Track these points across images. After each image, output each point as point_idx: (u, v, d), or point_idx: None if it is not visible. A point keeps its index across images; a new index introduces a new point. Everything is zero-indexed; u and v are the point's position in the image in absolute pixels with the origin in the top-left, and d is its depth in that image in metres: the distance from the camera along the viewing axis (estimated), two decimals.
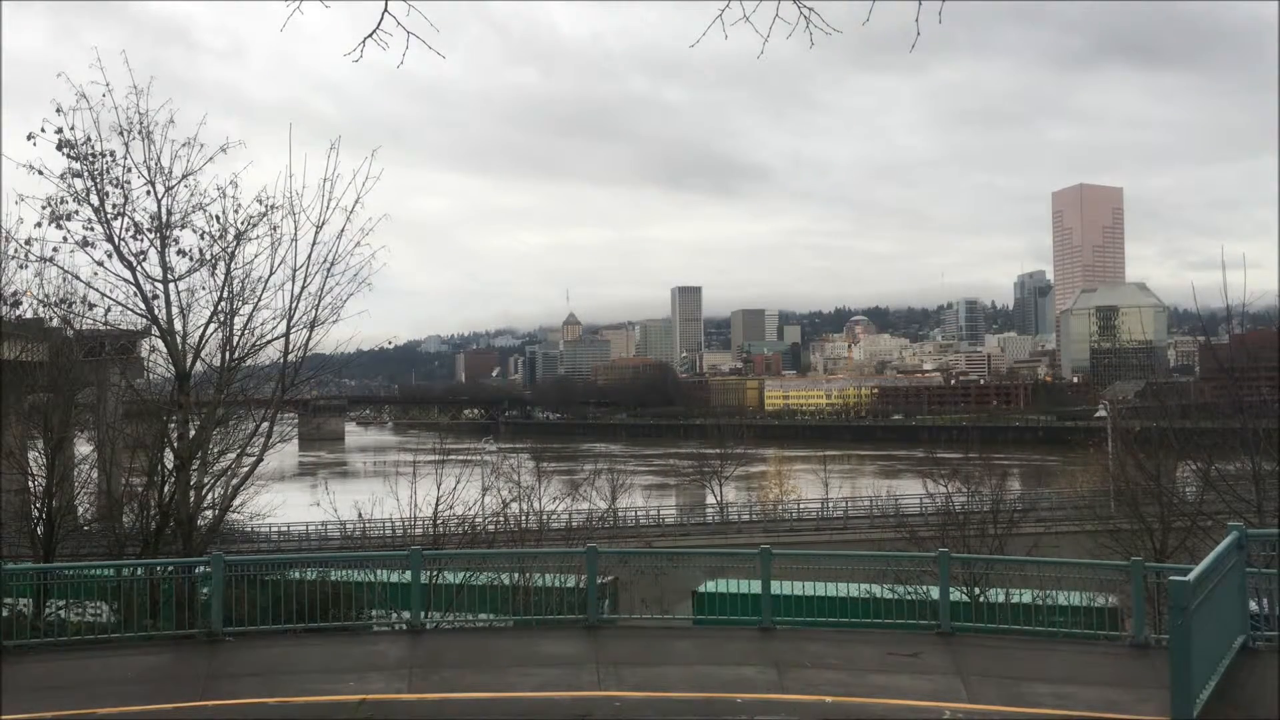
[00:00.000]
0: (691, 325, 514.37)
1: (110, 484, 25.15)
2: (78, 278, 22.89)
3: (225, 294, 23.20)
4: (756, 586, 18.11)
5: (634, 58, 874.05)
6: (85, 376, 27.42)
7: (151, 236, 22.78)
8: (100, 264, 22.48)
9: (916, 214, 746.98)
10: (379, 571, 20.37)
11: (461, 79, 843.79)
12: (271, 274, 23.26)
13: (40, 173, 21.76)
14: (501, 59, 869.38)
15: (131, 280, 22.80)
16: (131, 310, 23.28)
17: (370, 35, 8.15)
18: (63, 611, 19.04)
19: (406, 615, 18.17)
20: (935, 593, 18.39)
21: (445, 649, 16.91)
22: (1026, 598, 19.56)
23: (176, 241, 22.98)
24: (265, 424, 24.09)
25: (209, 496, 23.49)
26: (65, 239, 22.30)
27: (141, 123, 22.16)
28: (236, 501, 24.34)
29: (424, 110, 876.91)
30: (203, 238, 23.03)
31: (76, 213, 22.25)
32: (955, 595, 19.43)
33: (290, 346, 23.61)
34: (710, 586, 20.51)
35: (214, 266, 23.17)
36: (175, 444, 23.32)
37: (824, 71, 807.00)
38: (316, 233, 23.10)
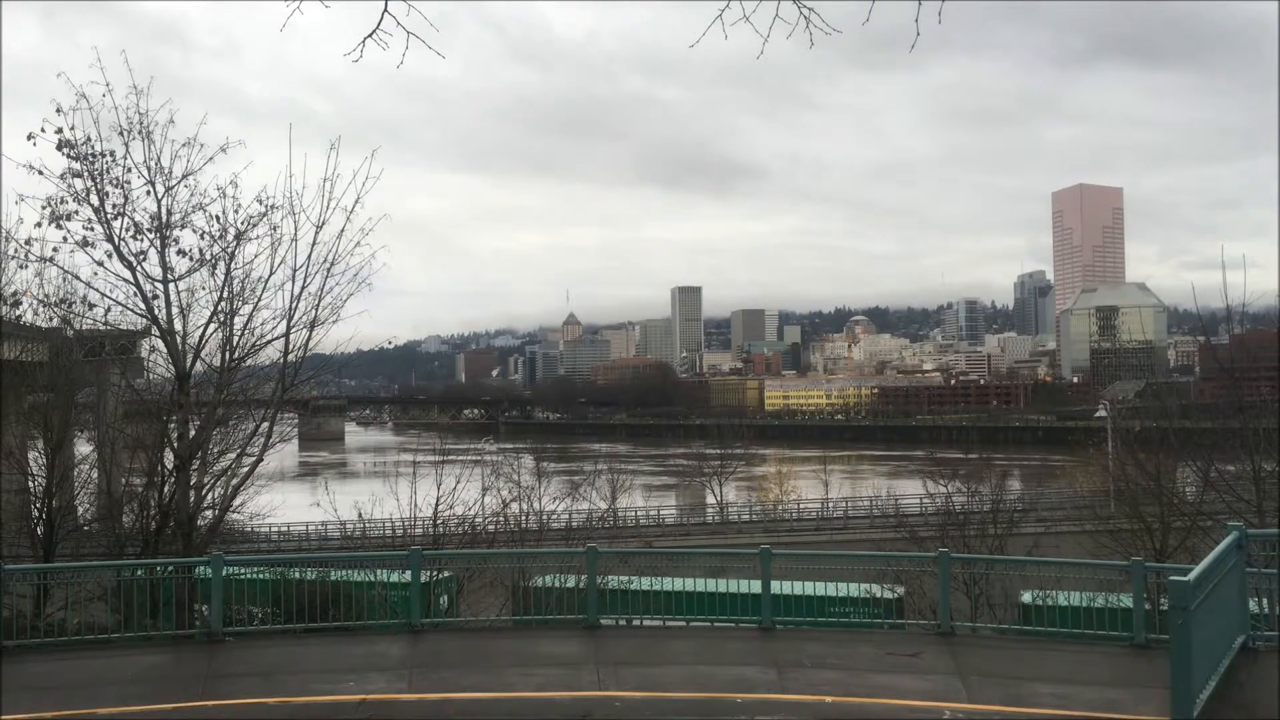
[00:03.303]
0: (691, 325, 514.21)
1: (110, 484, 25.15)
2: (78, 278, 22.85)
3: (225, 294, 23.14)
4: (1076, 598, 17.25)
5: (631, 57, 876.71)
6: (85, 376, 27.42)
7: (151, 236, 22.72)
8: (100, 264, 22.39)
9: (916, 214, 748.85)
10: (379, 571, 20.39)
11: (460, 79, 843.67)
12: (271, 274, 23.22)
13: (40, 173, 21.68)
14: (499, 59, 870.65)
15: (131, 280, 22.73)
16: (131, 310, 23.22)
17: (370, 35, 8.17)
18: (63, 612, 19.03)
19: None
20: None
21: (445, 649, 16.89)
22: (1027, 598, 19.53)
23: (176, 241, 22.93)
24: (265, 424, 24.03)
25: (209, 497, 23.46)
26: (65, 239, 22.22)
27: (141, 123, 22.07)
28: (236, 501, 24.33)
29: (423, 110, 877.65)
30: (203, 238, 22.97)
31: (76, 213, 22.17)
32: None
33: (290, 346, 23.56)
34: (1028, 598, 20.08)
35: (214, 266, 23.12)
36: (175, 444, 23.29)
37: (822, 71, 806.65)
38: (316, 233, 23.04)
